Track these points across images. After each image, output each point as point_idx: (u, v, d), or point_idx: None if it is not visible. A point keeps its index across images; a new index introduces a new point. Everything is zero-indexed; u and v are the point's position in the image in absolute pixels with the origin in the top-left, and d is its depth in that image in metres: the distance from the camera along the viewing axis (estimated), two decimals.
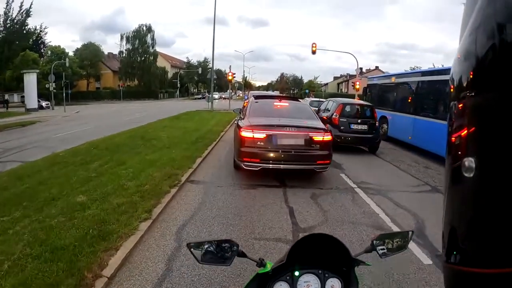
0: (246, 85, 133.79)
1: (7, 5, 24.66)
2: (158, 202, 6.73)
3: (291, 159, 8.26)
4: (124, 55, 79.67)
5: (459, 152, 0.90)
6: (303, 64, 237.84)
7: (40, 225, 5.34)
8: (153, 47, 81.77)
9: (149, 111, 36.27)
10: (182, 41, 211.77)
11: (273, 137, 8.19)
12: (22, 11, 24.84)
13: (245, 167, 8.37)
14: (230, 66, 38.47)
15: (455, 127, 0.95)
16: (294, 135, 8.29)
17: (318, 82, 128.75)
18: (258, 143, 8.18)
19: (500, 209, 0.75)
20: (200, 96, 79.30)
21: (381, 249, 1.70)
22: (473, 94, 0.87)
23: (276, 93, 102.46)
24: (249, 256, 1.68)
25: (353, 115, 13.71)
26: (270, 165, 8.24)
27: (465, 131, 0.88)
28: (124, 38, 79.41)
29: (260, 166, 8.22)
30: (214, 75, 35.57)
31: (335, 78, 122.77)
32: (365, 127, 13.34)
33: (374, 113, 13.90)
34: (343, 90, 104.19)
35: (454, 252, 0.96)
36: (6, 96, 64.42)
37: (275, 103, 10.38)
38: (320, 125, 8.98)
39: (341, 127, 13.24)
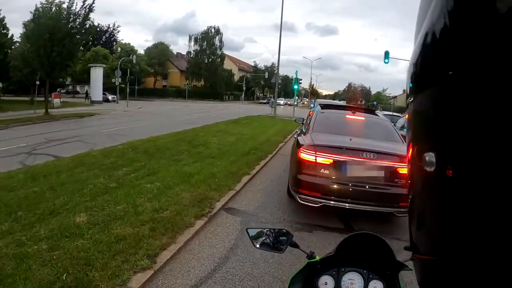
0: (313, 93, 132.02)
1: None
2: (172, 241, 4.81)
3: (364, 197, 5.81)
4: (192, 55, 79.99)
5: (419, 147, 0.93)
6: (371, 75, 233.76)
7: (15, 251, 4.17)
8: (220, 49, 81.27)
9: (210, 112, 35.18)
10: (251, 46, 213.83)
11: (342, 165, 5.88)
12: (85, 5, 24.31)
13: (300, 201, 6.04)
14: (297, 71, 36.32)
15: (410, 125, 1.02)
16: (372, 164, 5.87)
17: (387, 95, 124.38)
18: (322, 170, 5.92)
19: (464, 201, 0.75)
20: (265, 100, 77.44)
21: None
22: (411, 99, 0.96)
23: (343, 103, 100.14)
24: (301, 247, 1.76)
25: None
26: (336, 203, 5.87)
27: (419, 128, 0.95)
28: (193, 39, 79.85)
29: (321, 202, 5.88)
30: (279, 80, 33.50)
31: (405, 91, 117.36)
32: None
33: None
34: None
35: (420, 243, 0.99)
36: (78, 88, 67.84)
37: (347, 116, 7.75)
38: (402, 141, 6.62)
39: None
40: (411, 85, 0.96)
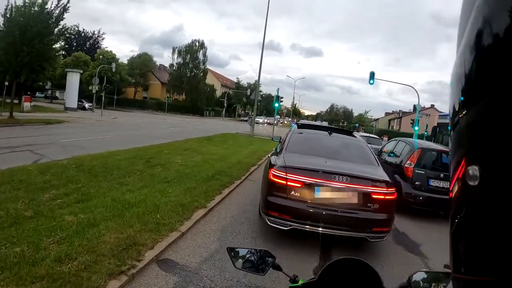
0: (295, 112, 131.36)
1: None
2: None
3: (337, 221, 5.50)
4: (174, 68, 78.23)
5: (463, 161, 0.88)
6: (353, 98, 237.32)
7: None
8: (204, 64, 79.50)
9: (186, 127, 33.58)
10: (236, 63, 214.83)
11: (314, 187, 5.58)
12: (59, 5, 22.90)
13: (269, 223, 5.71)
14: (278, 89, 34.71)
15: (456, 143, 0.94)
16: (345, 188, 5.57)
17: (369, 117, 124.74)
18: (293, 193, 5.59)
19: (504, 216, 0.74)
20: (246, 118, 75.80)
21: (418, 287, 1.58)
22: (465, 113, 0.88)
23: (325, 123, 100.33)
24: (284, 270, 1.71)
25: (433, 167, 9.55)
26: (306, 227, 5.53)
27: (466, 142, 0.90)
28: (176, 52, 77.94)
29: (290, 225, 5.58)
30: (261, 97, 31.97)
31: (387, 114, 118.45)
32: (448, 184, 8.63)
33: None
34: (394, 127, 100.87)
35: (461, 262, 0.95)
36: (57, 93, 65.79)
37: (323, 137, 7.67)
38: (383, 175, 6.11)
39: (416, 182, 9.19)
40: (462, 98, 0.88)
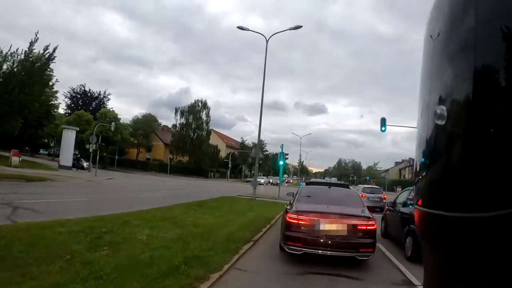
0: (303, 170, 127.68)
1: (30, 46, 21.77)
2: None
3: (335, 245, 7.84)
4: (177, 129, 76.33)
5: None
6: (359, 151, 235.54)
7: None
8: (207, 124, 78.09)
9: (183, 190, 30.06)
10: (242, 124, 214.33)
11: (317, 224, 7.95)
12: (45, 54, 20.92)
13: (288, 250, 8.04)
14: (282, 144, 31.77)
15: None
16: (338, 222, 8.00)
17: (379, 169, 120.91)
18: (302, 228, 8.00)
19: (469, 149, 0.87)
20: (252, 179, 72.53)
21: None
22: None
23: (334, 179, 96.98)
24: None
25: None
26: (313, 250, 7.85)
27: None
28: (179, 112, 76.68)
29: (302, 251, 7.89)
30: (262, 154, 28.66)
31: (397, 163, 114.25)
32: None
33: None
34: (406, 176, 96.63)
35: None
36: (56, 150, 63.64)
37: (324, 189, 10.46)
38: (366, 213, 8.53)
39: None
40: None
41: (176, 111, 77.12)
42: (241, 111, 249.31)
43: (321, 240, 7.78)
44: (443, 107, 0.92)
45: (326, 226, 7.85)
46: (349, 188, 11.36)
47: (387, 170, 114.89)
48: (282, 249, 8.53)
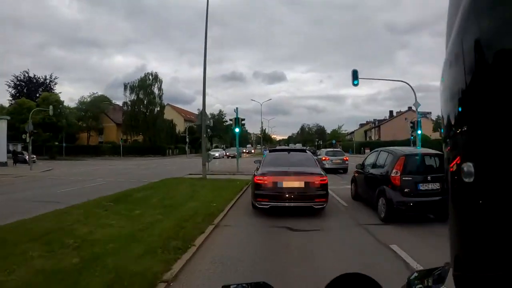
0: (266, 139, 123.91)
1: None
2: None
3: (293, 198, 9.73)
4: (128, 106, 70.01)
5: (457, 157, 0.91)
6: (321, 116, 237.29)
7: None
8: (160, 98, 71.74)
9: (125, 176, 25.31)
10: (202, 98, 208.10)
11: (279, 182, 9.78)
12: None
13: (258, 206, 9.86)
14: (237, 108, 26.21)
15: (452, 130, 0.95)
16: (296, 179, 9.85)
17: (343, 131, 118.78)
18: (268, 186, 9.80)
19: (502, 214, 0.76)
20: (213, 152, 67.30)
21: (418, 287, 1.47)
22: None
23: (299, 145, 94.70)
24: None
25: (419, 171, 9.53)
26: (278, 203, 9.68)
27: (462, 135, 0.90)
28: (128, 88, 69.64)
29: (269, 205, 9.70)
30: (210, 121, 23.30)
31: (362, 125, 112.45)
32: (437, 185, 9.16)
33: None
34: (372, 137, 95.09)
35: (460, 259, 0.97)
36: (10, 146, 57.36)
37: (284, 155, 12.33)
38: (318, 171, 10.40)
39: (405, 189, 9.19)
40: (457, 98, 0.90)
41: (126, 87, 70.07)
42: (201, 84, 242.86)
43: (284, 195, 9.70)
44: (470, 164, 0.79)
45: (287, 183, 9.77)
46: (306, 152, 12.98)
47: (352, 132, 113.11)
48: (254, 206, 10.33)
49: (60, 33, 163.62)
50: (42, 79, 70.13)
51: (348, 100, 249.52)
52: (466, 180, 0.82)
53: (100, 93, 75.43)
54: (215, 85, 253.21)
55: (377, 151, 11.82)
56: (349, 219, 9.91)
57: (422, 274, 1.57)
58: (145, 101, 69.03)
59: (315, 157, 23.50)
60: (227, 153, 63.16)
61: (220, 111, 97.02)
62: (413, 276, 1.54)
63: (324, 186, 9.88)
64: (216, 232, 8.30)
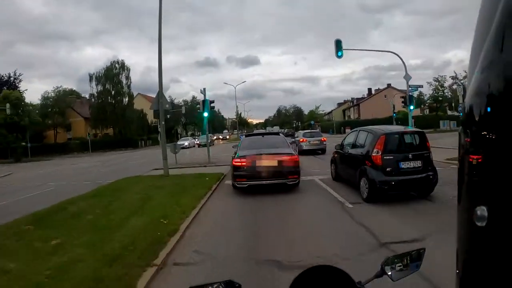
0: (242, 123, 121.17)
1: None
2: None
3: (269, 176, 11.02)
4: (94, 98, 65.79)
5: (471, 200, 0.88)
6: (297, 98, 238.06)
7: None
8: (129, 87, 67.35)
9: (83, 176, 22.27)
10: (177, 86, 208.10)
11: (254, 162, 11.04)
12: None
13: (237, 185, 11.28)
14: (204, 89, 23.13)
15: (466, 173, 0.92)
16: (270, 159, 11.09)
17: (321, 112, 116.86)
18: (245, 168, 11.08)
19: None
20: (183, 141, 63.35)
21: (392, 272, 1.56)
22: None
23: (276, 128, 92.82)
24: None
25: (400, 149, 9.62)
26: (255, 182, 11.08)
27: (477, 178, 0.87)
28: (94, 79, 65.03)
29: (247, 184, 11.12)
30: (168, 104, 18.84)
31: (340, 104, 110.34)
32: (418, 163, 9.18)
33: (426, 141, 9.73)
34: (351, 116, 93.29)
35: None
36: None
37: (259, 138, 13.79)
38: (290, 151, 11.87)
39: (387, 169, 9.17)
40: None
41: (91, 77, 65.32)
42: (174, 72, 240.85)
43: (260, 174, 11.05)
44: (484, 208, 0.76)
45: (262, 162, 11.06)
46: (279, 135, 14.88)
47: (330, 112, 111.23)
48: (234, 187, 11.70)
49: (27, 29, 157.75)
50: (6, 77, 64.74)
51: (323, 81, 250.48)
52: (479, 224, 0.80)
53: (69, 87, 71.14)
54: (189, 71, 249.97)
55: (356, 130, 11.80)
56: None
57: (395, 258, 1.60)
58: (113, 92, 64.81)
59: (293, 139, 25.00)
60: (198, 142, 56.35)
61: (194, 97, 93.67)
62: (387, 262, 1.57)
63: (295, 164, 11.25)
64: (156, 283, 5.22)
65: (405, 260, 1.61)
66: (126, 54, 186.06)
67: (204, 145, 36.61)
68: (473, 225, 0.79)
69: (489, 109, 0.78)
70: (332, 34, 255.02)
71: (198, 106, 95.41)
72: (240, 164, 11.10)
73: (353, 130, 12.46)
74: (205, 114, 22.27)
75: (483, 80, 0.80)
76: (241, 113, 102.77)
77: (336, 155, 12.85)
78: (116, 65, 66.26)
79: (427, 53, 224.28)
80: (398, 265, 1.59)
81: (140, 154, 46.37)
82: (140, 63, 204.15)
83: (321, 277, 1.50)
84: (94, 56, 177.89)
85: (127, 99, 66.68)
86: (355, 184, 10.30)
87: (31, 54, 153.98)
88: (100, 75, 65.09)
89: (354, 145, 11.20)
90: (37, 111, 60.90)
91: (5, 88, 63.03)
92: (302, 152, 23.95)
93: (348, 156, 11.44)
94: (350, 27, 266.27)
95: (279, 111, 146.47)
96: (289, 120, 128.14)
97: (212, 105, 23.19)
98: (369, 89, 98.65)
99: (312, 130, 34.10)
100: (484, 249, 0.81)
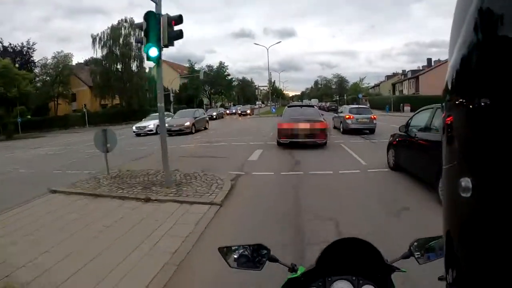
0: (277, 94, 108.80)
1: None
2: None
3: (304, 136, 15.34)
4: (98, 63, 55.32)
5: (455, 172, 0.87)
6: (334, 71, 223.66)
7: None
8: (139, 50, 54.41)
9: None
10: (212, 57, 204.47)
11: (294, 126, 15.52)
12: None
13: (281, 142, 15.82)
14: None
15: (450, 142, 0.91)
16: (305, 124, 15.41)
17: (366, 85, 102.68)
18: (287, 129, 15.62)
19: (500, 231, 0.74)
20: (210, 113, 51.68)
21: (419, 255, 1.60)
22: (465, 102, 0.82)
23: (314, 101, 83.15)
24: (280, 261, 1.65)
25: None
26: (294, 140, 15.39)
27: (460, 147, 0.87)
28: (98, 41, 54.46)
29: (289, 141, 15.51)
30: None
31: (388, 77, 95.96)
32: None
33: None
34: (404, 91, 79.45)
35: (455, 275, 0.94)
36: None
37: (298, 109, 18.34)
38: (320, 118, 16.01)
39: None
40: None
41: (94, 39, 54.51)
42: (209, 43, 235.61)
43: (297, 135, 15.37)
44: (468, 179, 0.77)
45: (300, 126, 15.40)
46: (313, 107, 19.26)
47: (378, 85, 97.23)
48: (278, 143, 16.32)
49: (63, 4, 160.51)
50: (19, 47, 55.63)
51: (361, 55, 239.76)
52: (464, 195, 0.80)
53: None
54: (225, 43, 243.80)
55: (430, 108, 9.20)
56: None
57: (423, 241, 1.61)
58: (118, 54, 53.82)
59: (336, 114, 26.73)
60: (187, 123, 28.03)
61: (221, 62, 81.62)
62: (415, 245, 1.60)
63: (324, 129, 15.57)
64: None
65: (433, 244, 1.59)
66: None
67: (177, 131, 25.88)
68: (458, 196, 0.80)
69: (469, 83, 0.78)
70: (373, 6, 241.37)
71: (226, 72, 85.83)
72: (283, 127, 15.90)
73: (425, 108, 9.82)
74: (153, 52, 8.73)
75: (464, 56, 0.78)
76: (274, 81, 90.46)
77: (399, 139, 10.48)
78: (125, 23, 54.87)
79: None
80: (425, 248, 1.59)
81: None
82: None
83: (351, 250, 1.51)
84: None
85: (136, 62, 55.52)
86: (426, 179, 8.13)
87: (67, 29, 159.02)
88: (106, 36, 54.01)
89: (427, 128, 8.94)
90: (35, 79, 52.06)
91: (18, 59, 54.30)
92: (348, 131, 22.12)
93: (419, 142, 8.88)
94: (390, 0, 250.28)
95: (316, 84, 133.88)
96: (330, 92, 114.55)
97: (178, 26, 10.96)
98: (429, 59, 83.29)
99: (359, 106, 28.55)
100: (469, 219, 0.82)
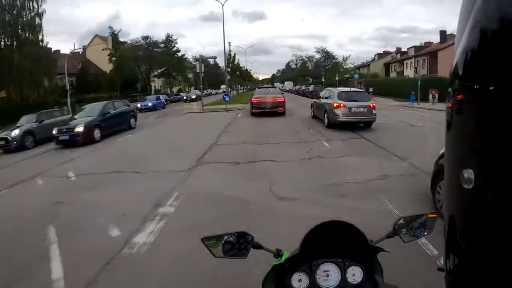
0: (245, 77, 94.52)
1: None
2: None
3: (269, 107, 23.23)
4: None
5: (458, 164, 0.88)
6: (304, 54, 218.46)
7: None
8: (40, 17, 35.74)
9: None
10: (182, 41, 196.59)
11: (262, 100, 23.87)
12: None
13: (254, 112, 23.80)
14: None
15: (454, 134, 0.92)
16: (269, 99, 23.91)
17: (350, 66, 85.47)
18: (257, 103, 23.77)
19: (500, 221, 0.76)
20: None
21: (404, 233, 1.61)
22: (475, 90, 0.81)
23: (288, 84, 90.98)
24: (264, 247, 1.64)
25: None
26: (262, 111, 23.12)
27: (464, 140, 0.87)
28: None
29: (259, 111, 23.31)
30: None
31: (380, 56, 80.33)
32: None
33: None
34: (404, 72, 63.97)
35: (454, 265, 0.95)
36: None
37: (265, 89, 29.00)
38: (280, 94, 25.76)
39: None
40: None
41: None
42: (179, 28, 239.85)
43: (265, 106, 23.46)
44: (471, 170, 0.78)
45: (266, 99, 23.96)
46: (275, 88, 34.64)
47: (367, 65, 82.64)
48: (251, 113, 24.20)
49: None
50: None
51: (332, 39, 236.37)
52: (466, 186, 0.81)
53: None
54: (194, 27, 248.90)
55: None
56: None
57: (407, 220, 1.62)
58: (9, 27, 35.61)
59: (318, 100, 19.97)
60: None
61: (168, 35, 62.89)
62: (399, 223, 1.61)
63: (282, 102, 23.80)
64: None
65: (417, 222, 1.61)
66: (128, 10, 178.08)
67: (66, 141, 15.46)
68: (460, 187, 0.81)
69: (477, 70, 0.77)
70: None
71: (175, 48, 69.18)
72: (254, 101, 24.15)
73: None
74: None
75: (471, 40, 0.78)
76: (235, 54, 73.22)
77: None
78: None
79: (441, 19, 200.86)
80: (410, 226, 1.60)
81: None
82: (140, 20, 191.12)
83: (334, 232, 1.52)
84: (94, 13, 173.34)
85: (35, 31, 36.92)
86: None
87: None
88: None
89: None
90: None
91: None
92: (337, 125, 15.86)
93: None
94: None
95: (288, 64, 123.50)
96: (306, 74, 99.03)
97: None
98: (442, 31, 57.79)
99: (352, 89, 19.66)
100: (471, 211, 0.83)
